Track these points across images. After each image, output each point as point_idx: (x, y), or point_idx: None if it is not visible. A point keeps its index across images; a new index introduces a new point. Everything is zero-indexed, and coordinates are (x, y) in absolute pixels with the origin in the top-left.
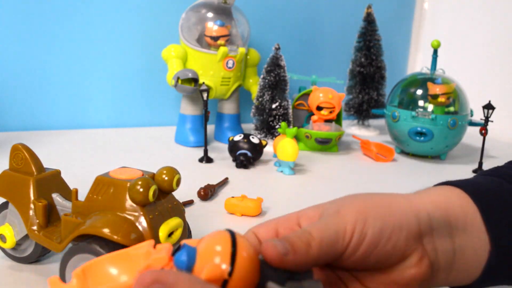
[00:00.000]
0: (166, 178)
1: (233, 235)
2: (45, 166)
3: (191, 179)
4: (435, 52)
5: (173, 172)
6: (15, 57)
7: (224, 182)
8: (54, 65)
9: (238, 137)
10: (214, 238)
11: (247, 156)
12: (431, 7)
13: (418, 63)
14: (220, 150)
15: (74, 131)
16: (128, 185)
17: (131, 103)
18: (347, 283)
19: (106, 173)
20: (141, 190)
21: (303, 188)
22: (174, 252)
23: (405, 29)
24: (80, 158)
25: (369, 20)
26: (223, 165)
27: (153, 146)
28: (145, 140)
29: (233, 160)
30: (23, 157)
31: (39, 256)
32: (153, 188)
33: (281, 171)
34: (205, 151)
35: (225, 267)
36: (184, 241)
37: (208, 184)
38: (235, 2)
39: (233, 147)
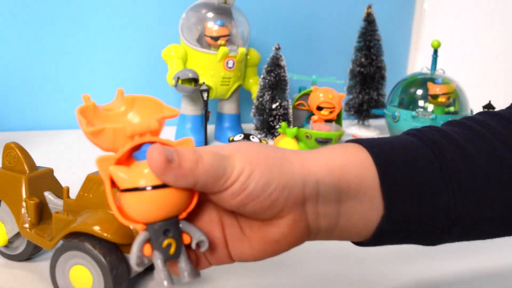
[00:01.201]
0: None
1: None
2: (45, 166)
3: None
4: (435, 52)
5: None
6: (15, 57)
7: None
8: (54, 65)
9: (238, 137)
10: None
11: None
12: (431, 7)
13: (418, 63)
14: None
15: (74, 131)
16: None
17: None
18: (226, 226)
19: (97, 171)
20: None
21: None
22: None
23: (405, 29)
24: (80, 158)
25: (369, 20)
26: None
27: None
28: None
29: None
30: (15, 155)
31: (31, 254)
32: None
33: None
34: None
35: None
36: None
37: None
38: (235, 2)
39: None
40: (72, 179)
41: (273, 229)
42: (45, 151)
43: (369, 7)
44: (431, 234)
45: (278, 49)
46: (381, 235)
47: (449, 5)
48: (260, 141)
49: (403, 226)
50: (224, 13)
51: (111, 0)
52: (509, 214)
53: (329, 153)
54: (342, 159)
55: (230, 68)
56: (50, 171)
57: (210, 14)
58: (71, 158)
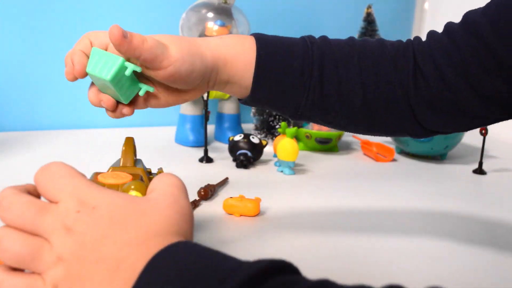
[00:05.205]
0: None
1: None
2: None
3: (191, 179)
4: None
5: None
6: (15, 57)
7: (224, 182)
8: (54, 65)
9: (238, 137)
10: None
11: (247, 156)
12: (431, 7)
13: None
14: (220, 150)
15: (74, 131)
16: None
17: None
18: (152, 94)
19: (93, 176)
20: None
21: (303, 188)
22: None
23: (405, 29)
24: (80, 158)
25: (369, 20)
26: (223, 165)
27: (153, 146)
28: (145, 140)
29: (233, 160)
30: None
31: None
32: None
33: (281, 171)
34: (205, 151)
35: None
36: None
37: (208, 184)
38: (235, 2)
39: (233, 147)
40: None
41: (187, 95)
42: (45, 151)
43: (369, 7)
44: (283, 114)
45: None
46: (245, 102)
47: (449, 5)
48: (260, 141)
49: (260, 105)
50: (224, 13)
51: (111, 0)
52: (341, 124)
53: (230, 47)
54: (236, 54)
55: None
56: None
57: (210, 14)
58: (71, 158)
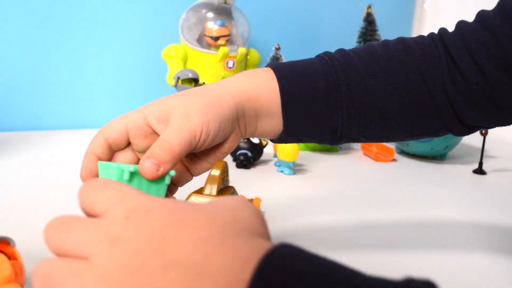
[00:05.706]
0: None
1: None
2: (44, 166)
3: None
4: None
5: None
6: (15, 57)
7: None
8: (54, 65)
9: None
10: None
11: (247, 156)
12: (431, 7)
13: None
14: None
15: (74, 131)
16: None
17: (131, 103)
18: (192, 162)
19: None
20: None
21: (303, 188)
22: None
23: (405, 29)
24: (80, 159)
25: (369, 20)
26: None
27: None
28: None
29: (233, 160)
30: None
31: None
32: None
33: (281, 171)
34: None
35: None
36: None
37: None
38: (235, 2)
39: None
40: (74, 180)
41: (224, 147)
42: (45, 151)
43: (369, 7)
44: (322, 142)
45: (278, 49)
46: (282, 140)
47: (449, 5)
48: (260, 141)
49: (296, 138)
50: (224, 13)
51: (112, 1)
52: (382, 136)
53: (247, 81)
54: (256, 88)
55: (230, 68)
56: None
57: (210, 14)
58: (73, 159)
